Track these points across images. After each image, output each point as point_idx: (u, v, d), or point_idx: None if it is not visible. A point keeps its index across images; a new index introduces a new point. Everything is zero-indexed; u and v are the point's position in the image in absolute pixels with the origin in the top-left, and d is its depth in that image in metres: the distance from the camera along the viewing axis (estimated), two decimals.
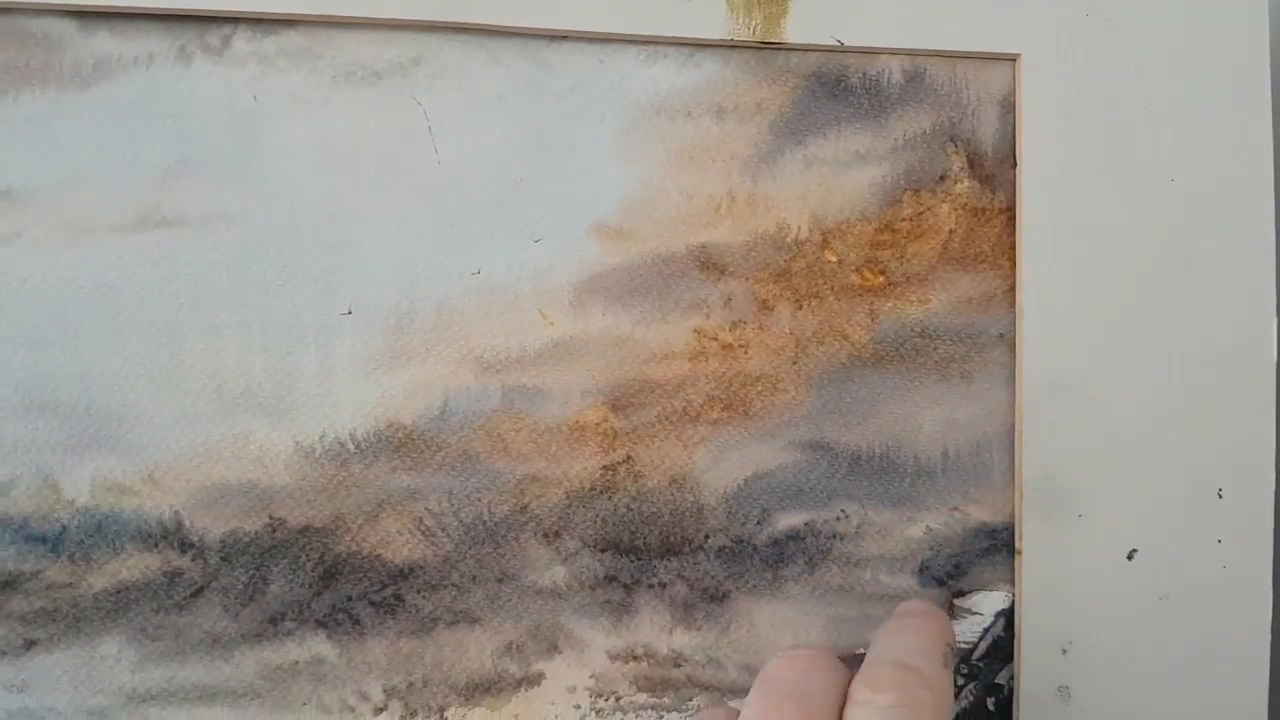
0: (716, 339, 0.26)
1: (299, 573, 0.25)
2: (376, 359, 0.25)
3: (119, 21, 0.24)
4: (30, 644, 0.24)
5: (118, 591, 0.24)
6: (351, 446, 0.25)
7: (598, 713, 0.26)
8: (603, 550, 0.25)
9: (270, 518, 0.24)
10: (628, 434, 0.26)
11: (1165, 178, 0.26)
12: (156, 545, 0.24)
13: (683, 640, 0.26)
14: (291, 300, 0.25)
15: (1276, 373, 0.27)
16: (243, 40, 0.24)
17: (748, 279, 0.26)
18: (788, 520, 0.26)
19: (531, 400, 0.25)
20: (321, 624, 0.25)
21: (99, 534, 0.24)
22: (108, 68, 0.24)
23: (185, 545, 0.24)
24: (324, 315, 0.25)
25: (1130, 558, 0.27)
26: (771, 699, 0.20)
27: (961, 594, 0.27)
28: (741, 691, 0.26)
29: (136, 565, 0.24)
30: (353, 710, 0.25)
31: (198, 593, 0.24)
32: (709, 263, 0.26)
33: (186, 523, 0.24)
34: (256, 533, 0.24)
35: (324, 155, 0.25)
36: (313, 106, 0.25)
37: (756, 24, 0.25)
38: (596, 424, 0.26)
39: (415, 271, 0.25)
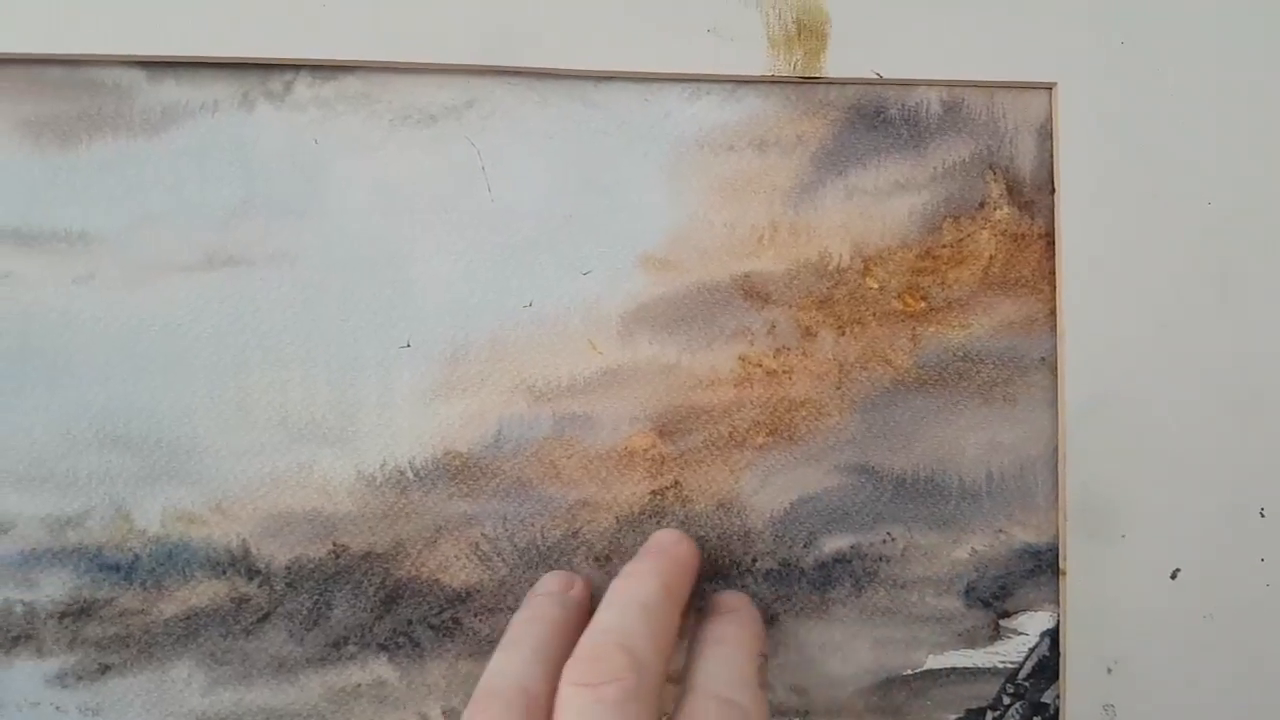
0: (761, 365, 0.28)
1: (361, 597, 0.26)
2: (434, 390, 0.27)
3: (185, 70, 0.26)
4: (105, 669, 0.26)
5: (188, 618, 0.26)
6: (411, 474, 0.27)
7: None
8: None
9: (334, 544, 0.26)
10: (675, 459, 0.27)
11: (1202, 200, 0.28)
12: (224, 573, 0.26)
13: None
14: (353, 335, 0.26)
15: None
16: (304, 86, 0.26)
17: (791, 306, 0.28)
18: (834, 543, 0.28)
19: (581, 427, 0.27)
20: (383, 647, 0.27)
21: (170, 562, 0.26)
22: (175, 114, 0.26)
23: (252, 572, 0.26)
24: (384, 349, 0.27)
25: (1174, 577, 0.28)
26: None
27: (1007, 615, 0.28)
28: (792, 713, 0.28)
29: (205, 592, 0.26)
30: None
31: (264, 618, 0.26)
32: (753, 291, 0.28)
33: (253, 550, 0.26)
34: (320, 559, 0.26)
35: (382, 195, 0.27)
36: (371, 148, 0.27)
37: (797, 60, 0.27)
38: (645, 450, 0.27)
39: (470, 305, 0.27)
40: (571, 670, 0.21)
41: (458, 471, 0.27)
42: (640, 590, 0.23)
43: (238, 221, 0.26)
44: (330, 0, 0.26)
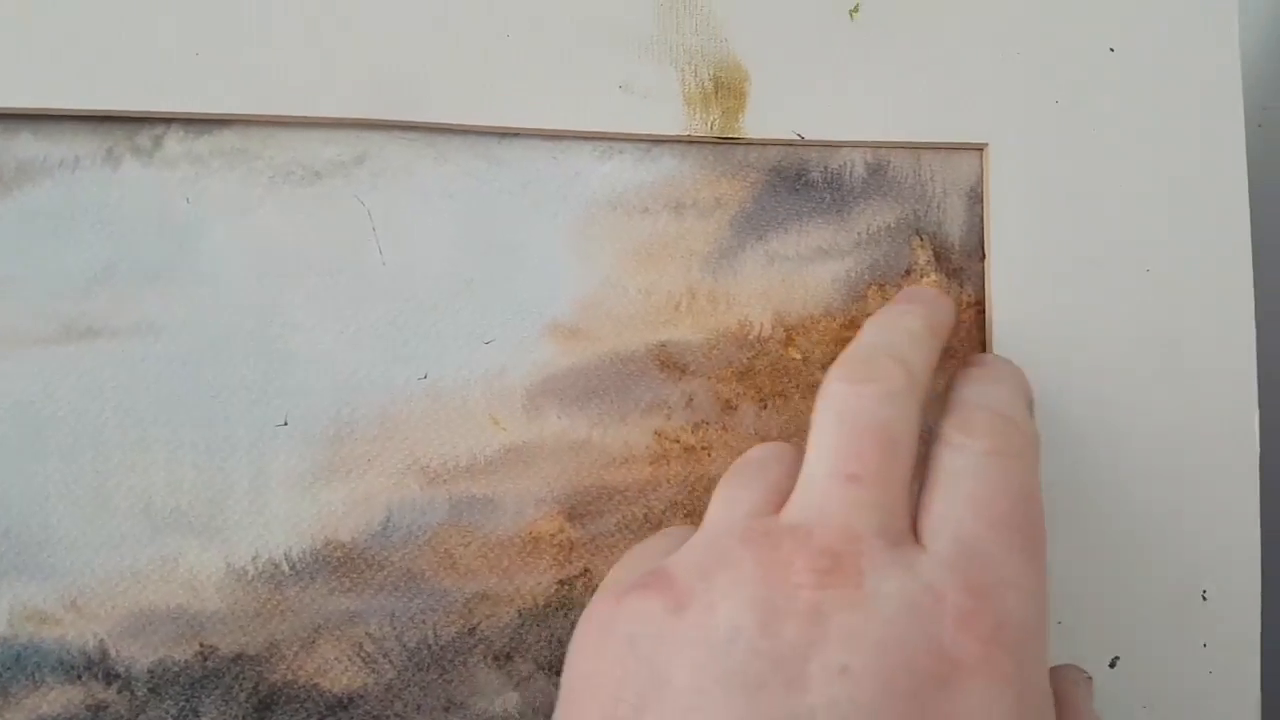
0: (679, 441, 0.26)
1: (231, 704, 0.24)
2: (314, 473, 0.25)
3: (43, 123, 0.24)
4: None
5: None
6: (286, 568, 0.25)
7: None
8: (559, 673, 0.25)
9: (201, 645, 0.24)
10: (585, 544, 0.26)
11: (1141, 268, 0.27)
12: (80, 677, 0.24)
13: None
14: (224, 413, 0.25)
15: (1259, 470, 0.27)
16: (175, 141, 0.25)
17: (710, 378, 0.26)
18: None
19: (481, 512, 0.25)
20: None
21: (17, 666, 0.24)
22: (30, 172, 0.24)
23: (111, 676, 0.24)
24: (258, 428, 0.25)
25: (1113, 665, 0.27)
26: (847, 434, 0.19)
27: None
28: None
29: (58, 699, 0.24)
30: None
31: None
32: (669, 362, 0.26)
33: (112, 652, 0.24)
34: (187, 662, 0.24)
35: (260, 259, 0.25)
36: (249, 208, 0.25)
37: (714, 119, 0.26)
38: (552, 535, 0.26)
39: (357, 379, 0.25)
40: (840, 368, 0.20)
41: (340, 564, 0.25)
42: (905, 320, 0.23)
43: (99, 289, 0.24)
44: (205, 48, 0.24)
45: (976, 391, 0.22)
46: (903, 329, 0.22)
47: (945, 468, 0.20)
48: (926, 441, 0.21)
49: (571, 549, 0.26)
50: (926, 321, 0.23)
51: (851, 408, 0.20)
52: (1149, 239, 0.27)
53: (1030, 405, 0.22)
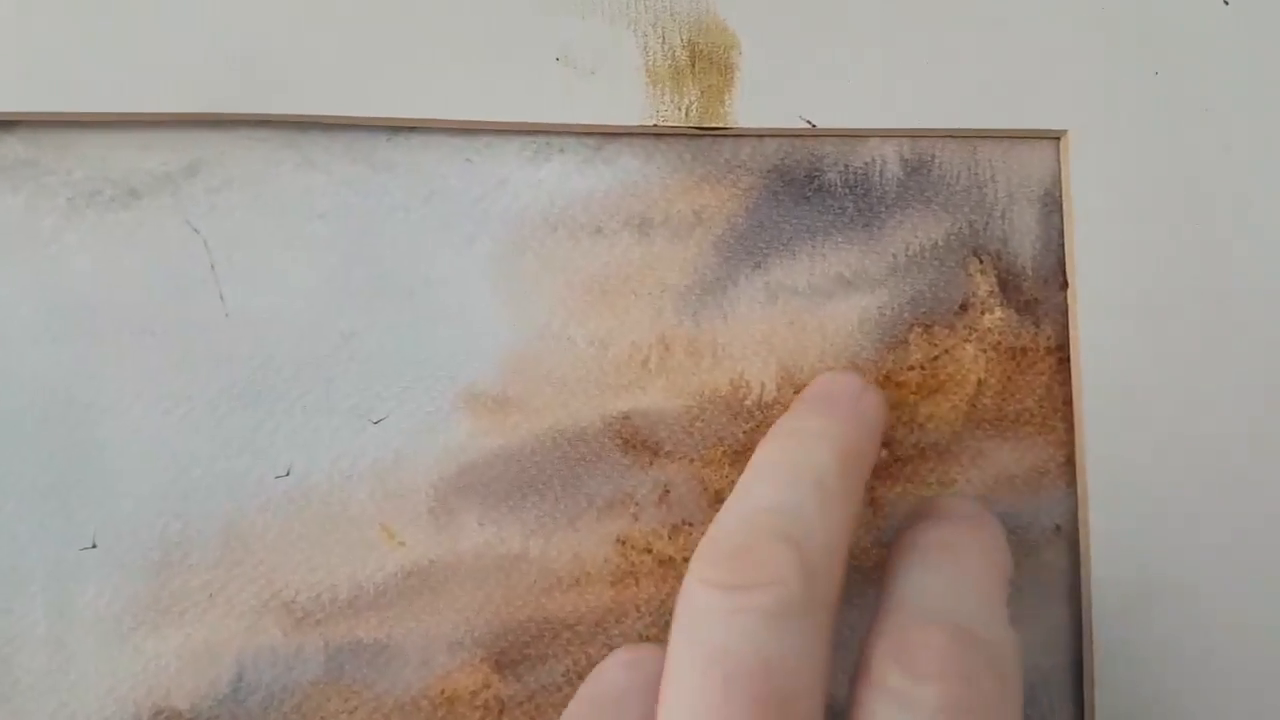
0: (651, 551, 0.19)
1: None
2: (134, 613, 0.18)
3: None
4: None
5: None
6: None
7: None
8: None
9: None
10: (522, 705, 0.19)
11: (1269, 291, 0.20)
12: None
13: None
14: (10, 532, 0.18)
15: None
16: None
17: (692, 460, 0.20)
18: None
19: (372, 663, 0.19)
20: None
21: None
22: None
23: None
24: (56, 551, 0.18)
25: None
26: (715, 689, 0.13)
27: None
28: None
29: None
30: None
31: None
32: (635, 440, 0.20)
33: None
34: None
35: (56, 313, 0.18)
36: (39, 243, 0.18)
37: (691, 102, 0.19)
38: (473, 693, 0.19)
39: (191, 479, 0.18)
40: (702, 559, 0.14)
41: None
42: (811, 457, 0.16)
43: None
44: None
45: (927, 584, 0.15)
46: (807, 479, 0.15)
47: None
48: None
49: (501, 712, 0.19)
50: (841, 449, 0.16)
51: (719, 641, 0.13)
52: (1278, 253, 0.21)
53: (1010, 588, 0.16)
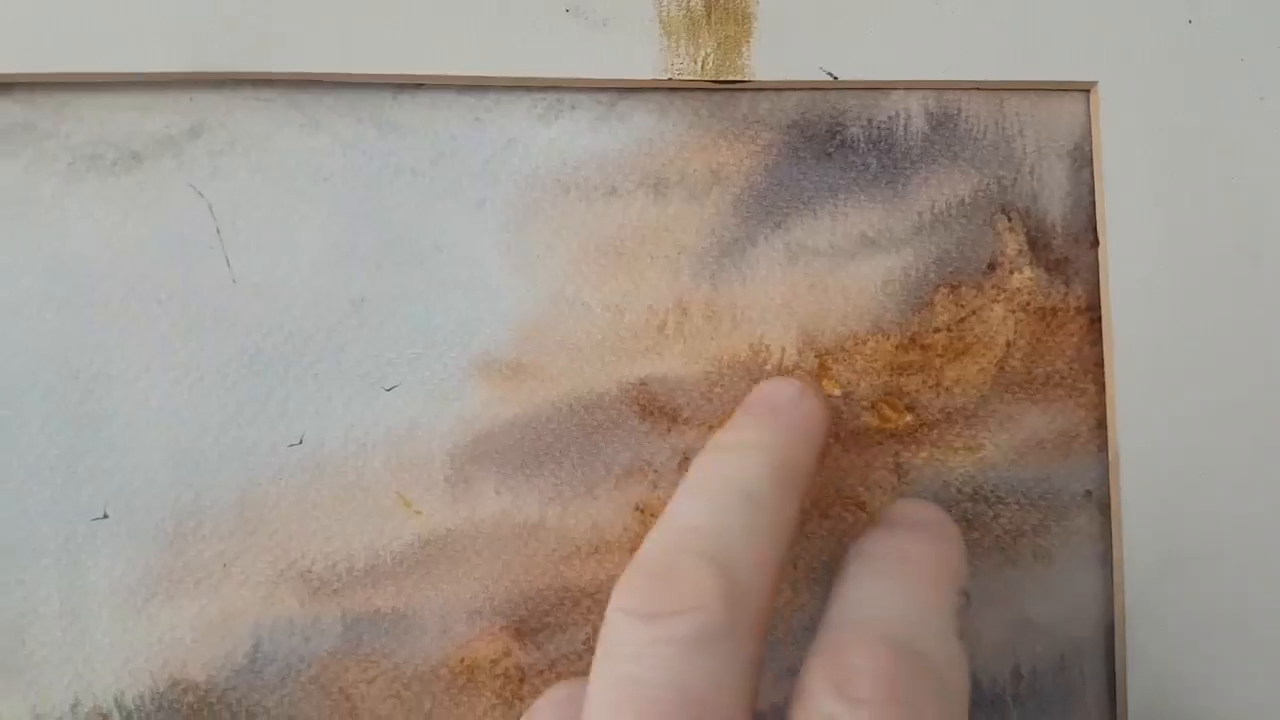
0: None
1: None
2: (148, 584, 0.18)
3: None
4: None
5: None
6: (118, 718, 0.18)
7: None
8: None
9: None
10: (542, 673, 0.19)
11: None
12: None
13: None
14: (20, 502, 0.18)
15: None
16: None
17: (711, 427, 0.19)
18: None
19: (390, 632, 0.18)
20: None
21: None
22: None
23: None
24: (68, 523, 0.18)
25: None
26: (629, 714, 0.13)
27: None
28: None
29: None
30: None
31: None
32: (653, 406, 0.19)
33: None
34: None
35: (60, 282, 0.18)
36: (40, 209, 0.18)
37: (707, 55, 0.19)
38: (493, 661, 0.19)
39: (202, 449, 0.18)
40: (625, 585, 0.14)
41: (193, 711, 0.18)
42: (742, 471, 0.15)
43: None
44: None
45: (870, 599, 0.14)
46: (736, 493, 0.15)
47: None
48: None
49: (521, 681, 0.19)
50: (775, 460, 0.15)
51: (635, 673, 0.13)
52: None
53: (961, 605, 0.15)
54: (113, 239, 0.18)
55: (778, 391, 0.17)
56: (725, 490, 0.15)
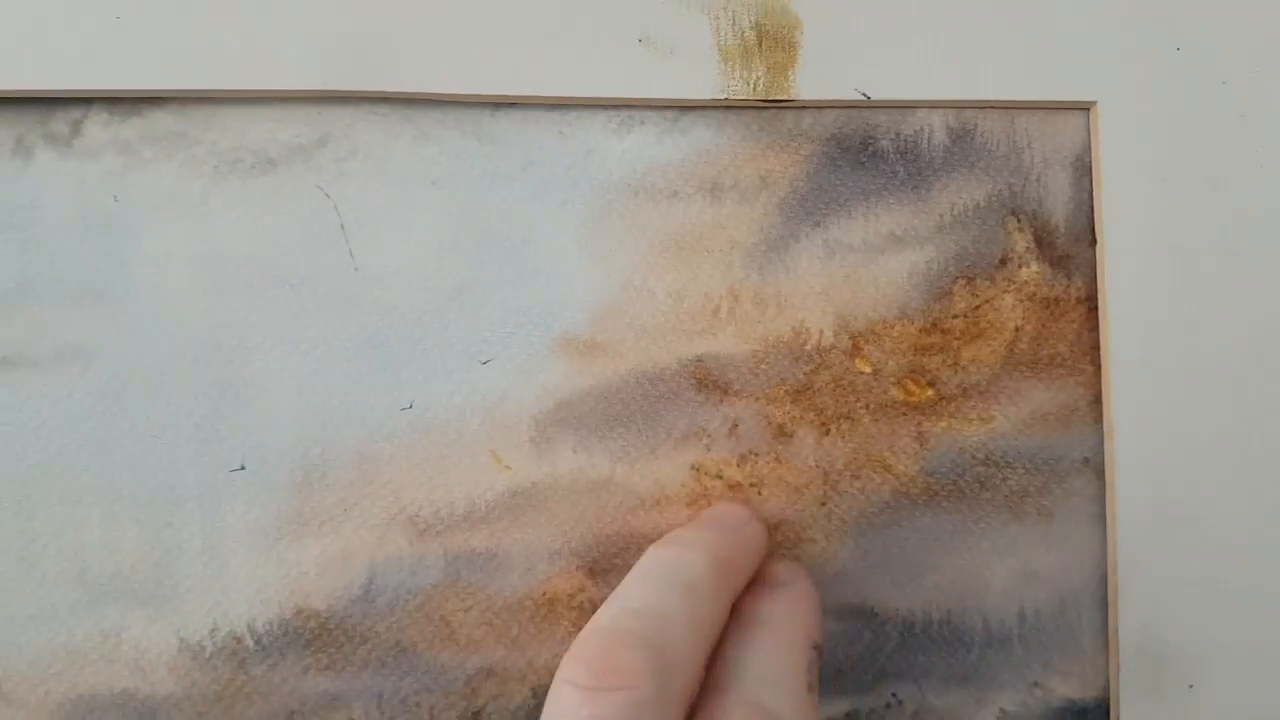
0: (721, 477, 0.22)
1: None
2: (278, 527, 0.21)
3: None
4: None
5: None
6: (251, 642, 0.21)
7: None
8: None
9: None
10: None
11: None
12: None
13: None
14: (170, 456, 0.21)
15: None
16: (97, 126, 0.21)
17: (758, 399, 0.22)
18: (824, 711, 0.22)
19: (483, 569, 0.22)
20: None
21: None
22: None
23: None
24: (210, 473, 0.21)
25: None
26: None
27: None
28: None
29: None
30: None
31: None
32: (708, 380, 0.22)
33: None
34: None
35: (206, 267, 0.21)
36: (190, 205, 0.21)
37: (758, 78, 0.22)
38: (570, 595, 0.22)
39: (328, 411, 0.21)
40: (571, 659, 0.16)
41: (315, 636, 0.21)
42: (686, 564, 0.18)
43: (13, 309, 0.21)
44: (127, 13, 0.21)
45: (737, 663, 0.18)
46: (680, 583, 0.18)
47: None
48: None
49: (593, 613, 0.22)
50: (716, 558, 0.18)
51: None
52: None
53: (813, 659, 0.18)
54: (251, 232, 0.21)
55: (731, 512, 0.21)
56: (670, 578, 0.18)
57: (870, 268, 0.23)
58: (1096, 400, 0.23)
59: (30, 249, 0.21)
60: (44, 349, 0.21)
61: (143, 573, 0.21)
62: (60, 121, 0.21)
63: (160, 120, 0.21)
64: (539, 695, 0.22)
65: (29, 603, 0.21)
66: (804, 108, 0.22)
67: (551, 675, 0.21)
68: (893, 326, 0.22)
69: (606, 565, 0.22)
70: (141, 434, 0.21)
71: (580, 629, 0.21)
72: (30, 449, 0.21)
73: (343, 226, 0.21)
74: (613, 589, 0.22)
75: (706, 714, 0.17)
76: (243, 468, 0.21)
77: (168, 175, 0.21)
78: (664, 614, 0.17)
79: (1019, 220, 0.23)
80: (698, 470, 0.22)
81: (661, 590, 0.17)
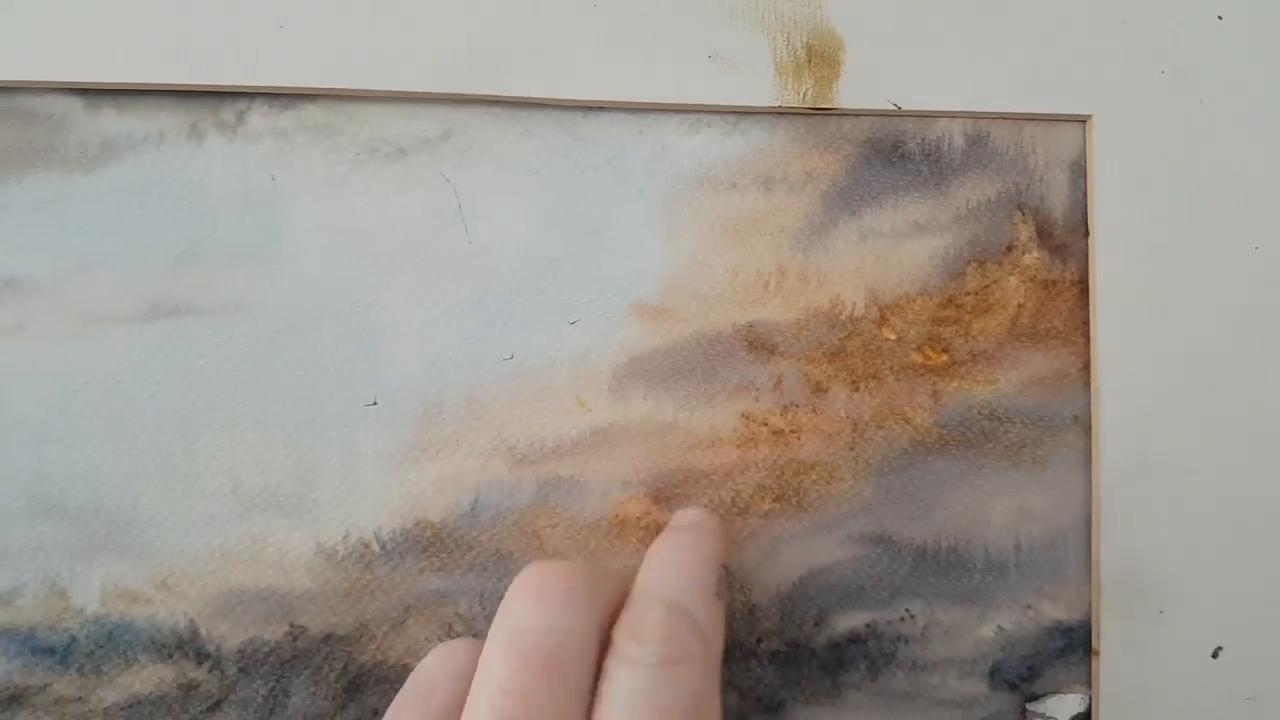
0: (766, 424, 0.27)
1: (321, 684, 0.25)
2: (403, 453, 0.26)
3: (127, 99, 0.25)
4: None
5: (130, 706, 0.25)
6: (376, 547, 0.26)
7: None
8: None
9: (291, 625, 0.25)
10: None
11: (1249, 245, 0.27)
12: (171, 656, 0.25)
13: None
14: (312, 392, 0.25)
15: None
16: (259, 116, 0.25)
17: (800, 359, 0.27)
18: (847, 621, 0.27)
19: (568, 493, 0.26)
20: None
21: (110, 644, 0.25)
22: (115, 148, 0.25)
23: (201, 655, 0.25)
24: (347, 407, 0.26)
25: (1215, 656, 0.27)
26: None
27: (1035, 698, 0.27)
28: None
29: (150, 677, 0.25)
30: None
31: (215, 706, 0.25)
32: (757, 342, 0.27)
33: (203, 632, 0.25)
34: (276, 642, 0.25)
35: (346, 237, 0.26)
36: (334, 185, 0.26)
37: (807, 89, 0.26)
38: (639, 518, 0.26)
39: (443, 358, 0.26)
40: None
41: (430, 543, 0.26)
42: (702, 572, 0.22)
43: (185, 267, 0.25)
44: (289, 21, 0.25)
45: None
46: (701, 591, 0.22)
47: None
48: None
49: (658, 531, 0.26)
50: (715, 571, 0.22)
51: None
52: (1257, 215, 0.27)
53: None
54: (383, 209, 0.26)
55: (702, 519, 0.25)
56: (695, 582, 0.21)
57: (897, 251, 0.27)
58: (1085, 367, 0.27)
59: (200, 217, 0.25)
60: (209, 300, 0.25)
61: (287, 488, 0.25)
62: (228, 112, 0.25)
63: (311, 113, 0.26)
64: None
65: (191, 512, 0.25)
66: (844, 115, 0.27)
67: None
68: (914, 301, 0.27)
69: (669, 494, 0.26)
70: (289, 373, 0.25)
71: (646, 546, 0.25)
72: (196, 384, 0.25)
73: (459, 207, 0.26)
74: (674, 513, 0.26)
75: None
76: (374, 403, 0.25)
77: (316, 160, 0.26)
78: (698, 612, 0.21)
79: (1023, 214, 0.27)
80: (747, 417, 0.27)
81: (694, 593, 0.21)
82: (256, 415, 0.25)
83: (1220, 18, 0.27)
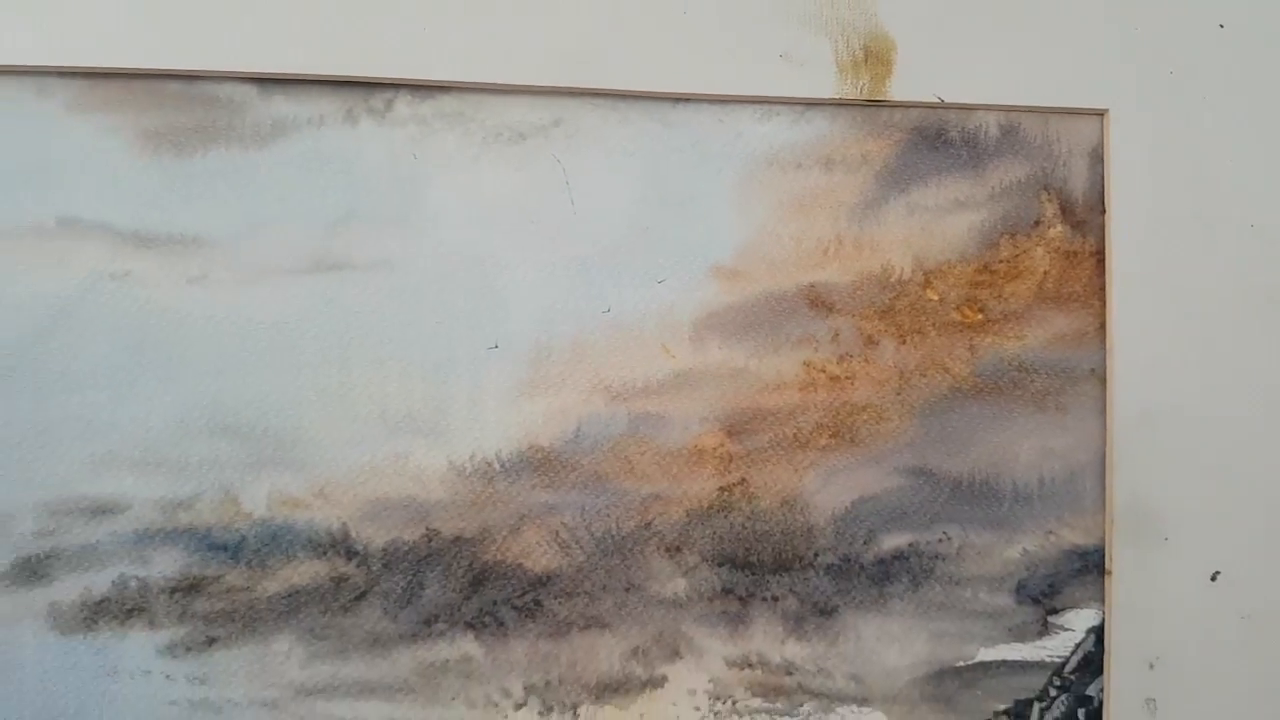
0: (825, 371, 0.31)
1: (451, 579, 0.31)
2: (519, 388, 0.31)
3: (294, 86, 0.31)
4: (211, 641, 0.30)
5: (289, 595, 0.31)
6: (497, 466, 0.31)
7: (716, 715, 0.31)
8: (720, 565, 0.31)
9: (427, 529, 0.31)
10: (742, 458, 0.31)
11: (1246, 222, 0.31)
12: (325, 553, 0.31)
13: (794, 650, 0.31)
14: (445, 336, 0.31)
15: None
16: (404, 104, 0.31)
17: (854, 316, 0.31)
18: (893, 541, 0.32)
19: (655, 426, 0.31)
20: (470, 625, 0.31)
21: (274, 543, 0.31)
22: (284, 127, 0.31)
23: (351, 553, 0.31)
24: (474, 349, 0.31)
25: (1214, 579, 0.31)
26: None
27: (1055, 611, 0.32)
28: (849, 700, 0.31)
29: (307, 571, 0.31)
30: (496, 705, 0.31)
31: (361, 596, 0.31)
32: (818, 301, 0.31)
33: (352, 533, 0.31)
34: (414, 543, 0.31)
35: (474, 207, 0.31)
36: (465, 164, 0.31)
37: (864, 84, 0.31)
38: (714, 449, 0.31)
39: (552, 310, 0.31)
40: None
41: (540, 464, 0.31)
42: None
43: (341, 229, 0.31)
44: (430, 24, 0.30)
45: None
46: None
47: None
48: None
49: (730, 461, 0.31)
50: None
51: None
52: (1254, 197, 0.32)
53: None
54: (505, 183, 0.31)
55: None
56: None
57: (939, 223, 0.32)
58: (1101, 327, 0.32)
59: (354, 188, 0.31)
60: (362, 258, 0.31)
61: (425, 415, 0.31)
62: (378, 99, 0.31)
63: (447, 103, 0.31)
64: (690, 515, 0.31)
65: (345, 433, 0.31)
66: (895, 107, 0.32)
67: (699, 502, 0.30)
68: (954, 267, 0.32)
69: (740, 429, 0.31)
70: (428, 319, 0.31)
71: (721, 474, 0.30)
72: (350, 327, 0.31)
73: (567, 183, 0.31)
74: (743, 445, 0.31)
75: None
76: (496, 346, 0.31)
77: (451, 142, 0.31)
78: None
79: (1049, 194, 0.32)
80: (808, 365, 0.31)
81: None
82: (400, 354, 0.31)
83: (1221, 26, 0.32)
